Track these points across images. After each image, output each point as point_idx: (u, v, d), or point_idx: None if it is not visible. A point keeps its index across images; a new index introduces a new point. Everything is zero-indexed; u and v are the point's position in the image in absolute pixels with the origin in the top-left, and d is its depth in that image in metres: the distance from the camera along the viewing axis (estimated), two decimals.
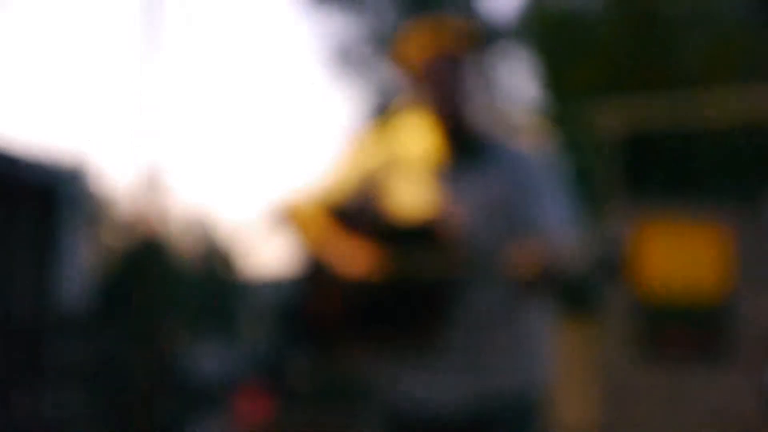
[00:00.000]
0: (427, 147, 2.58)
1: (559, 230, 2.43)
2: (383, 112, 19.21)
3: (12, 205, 8.71)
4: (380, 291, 2.44)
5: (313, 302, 2.52)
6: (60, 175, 8.90)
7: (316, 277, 2.20)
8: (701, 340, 5.06)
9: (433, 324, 2.45)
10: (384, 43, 19.00)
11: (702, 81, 7.17)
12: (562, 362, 2.62)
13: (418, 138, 2.62)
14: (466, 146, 2.55)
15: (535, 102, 15.14)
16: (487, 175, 2.51)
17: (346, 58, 19.66)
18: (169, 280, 27.01)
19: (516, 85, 17.08)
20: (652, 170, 6.85)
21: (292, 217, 2.65)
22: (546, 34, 8.01)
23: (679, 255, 5.11)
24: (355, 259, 2.43)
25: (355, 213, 2.32)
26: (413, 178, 2.58)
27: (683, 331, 5.06)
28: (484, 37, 2.59)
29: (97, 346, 11.53)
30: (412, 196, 2.55)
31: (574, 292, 2.47)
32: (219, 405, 6.84)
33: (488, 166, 2.52)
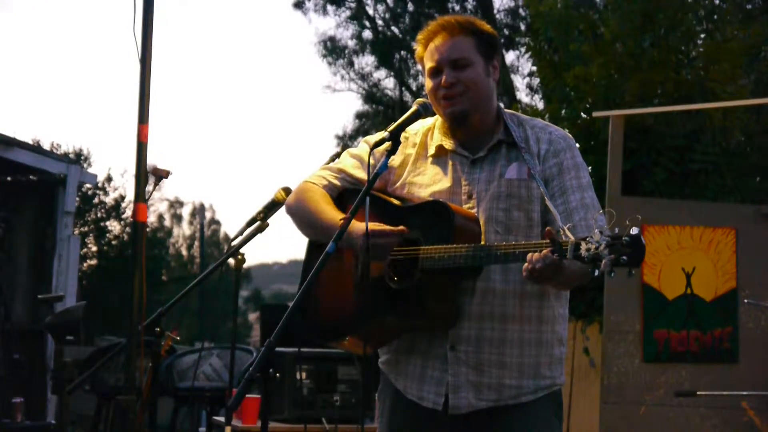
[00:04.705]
0: (441, 140, 2.58)
1: (584, 216, 2.43)
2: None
3: (12, 203, 8.69)
4: (390, 277, 2.43)
5: (318, 291, 2.50)
6: (60, 172, 8.87)
7: (321, 266, 2.18)
8: (702, 340, 5.04)
9: (444, 312, 2.44)
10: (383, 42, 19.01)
11: (703, 80, 7.15)
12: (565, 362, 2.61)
13: (432, 131, 2.63)
14: (480, 140, 2.55)
15: (535, 101, 15.16)
16: (502, 166, 2.50)
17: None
18: (167, 278, 27.03)
19: (516, 84, 17.12)
20: (652, 170, 6.84)
21: (297, 202, 2.65)
22: (547, 31, 7.99)
23: (679, 255, 5.10)
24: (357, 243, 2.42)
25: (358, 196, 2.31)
26: (427, 169, 2.58)
27: (684, 330, 5.05)
28: (498, 36, 2.58)
29: (92, 344, 11.53)
30: (428, 185, 2.55)
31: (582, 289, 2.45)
32: (217, 404, 6.82)
33: (503, 158, 2.52)
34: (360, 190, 2.54)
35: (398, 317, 2.43)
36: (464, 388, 2.44)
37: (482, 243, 2.40)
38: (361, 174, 2.64)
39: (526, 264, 2.18)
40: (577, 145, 2.62)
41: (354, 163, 2.66)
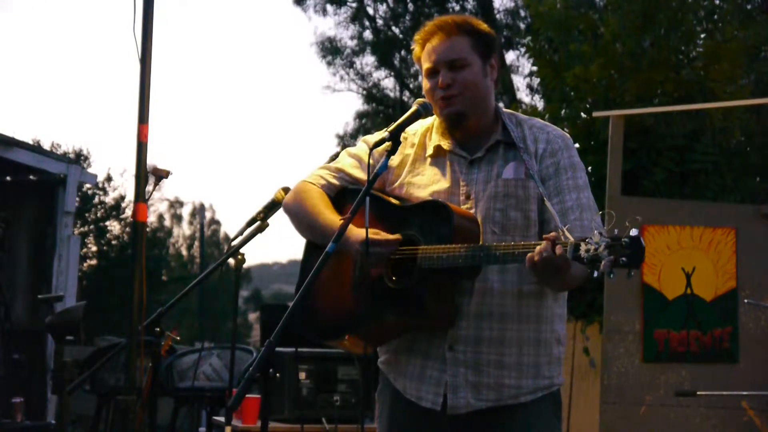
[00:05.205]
0: (439, 140, 2.58)
1: (579, 216, 2.42)
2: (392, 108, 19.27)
3: (12, 203, 8.70)
4: (389, 277, 2.43)
5: (317, 291, 2.50)
6: (60, 172, 8.87)
7: (319, 266, 2.19)
8: (702, 340, 5.04)
9: (443, 312, 2.44)
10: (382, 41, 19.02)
11: (703, 80, 7.15)
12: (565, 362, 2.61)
13: (431, 131, 2.63)
14: (478, 140, 2.55)
15: (535, 101, 15.16)
16: (500, 167, 2.50)
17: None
18: (167, 278, 27.03)
19: (516, 84, 17.13)
20: (652, 170, 6.84)
21: (296, 202, 2.65)
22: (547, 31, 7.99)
23: (679, 255, 5.10)
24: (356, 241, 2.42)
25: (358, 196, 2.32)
26: (426, 170, 2.58)
27: (684, 330, 5.05)
28: (497, 36, 2.58)
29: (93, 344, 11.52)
30: (426, 185, 2.55)
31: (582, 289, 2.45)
32: (217, 404, 6.82)
33: (501, 158, 2.52)
34: (359, 189, 2.54)
35: (397, 317, 2.43)
36: (463, 389, 2.44)
37: (480, 243, 2.40)
38: (360, 173, 2.64)
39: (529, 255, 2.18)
40: (577, 145, 2.62)
41: (353, 163, 2.67)
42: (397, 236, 2.40)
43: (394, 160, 2.59)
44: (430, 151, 2.58)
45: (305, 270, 2.65)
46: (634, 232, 2.05)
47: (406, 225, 2.46)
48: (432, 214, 2.43)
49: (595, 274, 2.08)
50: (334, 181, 2.66)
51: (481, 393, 2.44)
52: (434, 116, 2.57)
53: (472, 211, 2.47)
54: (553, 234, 2.16)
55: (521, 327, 2.45)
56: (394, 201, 2.56)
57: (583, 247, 2.08)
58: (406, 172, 2.59)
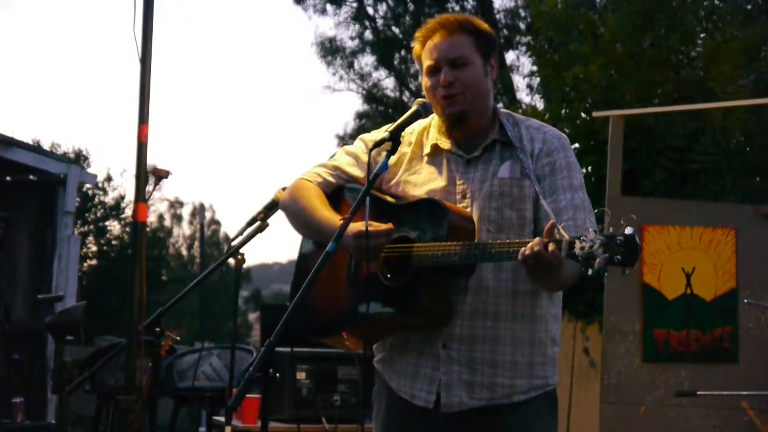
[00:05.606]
0: (437, 139, 2.58)
1: (572, 215, 2.42)
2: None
3: (12, 203, 8.69)
4: (384, 274, 2.43)
5: (314, 290, 2.50)
6: (60, 172, 8.87)
7: (317, 265, 2.19)
8: (703, 340, 5.04)
9: (438, 310, 2.44)
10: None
11: (704, 81, 7.15)
12: (564, 361, 2.61)
13: (428, 130, 2.63)
14: (475, 139, 2.55)
15: (535, 101, 15.15)
16: (496, 166, 2.51)
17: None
18: (167, 278, 27.03)
19: (516, 84, 17.12)
20: (652, 170, 6.84)
21: (292, 199, 2.66)
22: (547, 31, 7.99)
23: (679, 255, 5.10)
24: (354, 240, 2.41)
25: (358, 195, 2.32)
26: (422, 168, 2.58)
27: (684, 330, 5.05)
28: (496, 35, 2.57)
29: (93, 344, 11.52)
30: (423, 184, 2.55)
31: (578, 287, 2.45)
32: (217, 404, 6.82)
33: (497, 157, 2.52)
34: (356, 187, 2.55)
35: (392, 314, 2.43)
36: (456, 387, 2.44)
37: (476, 243, 2.40)
38: (357, 171, 2.64)
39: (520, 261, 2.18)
40: (576, 145, 2.62)
41: (350, 161, 2.67)
42: (389, 225, 2.40)
43: (391, 158, 2.59)
44: (427, 149, 2.59)
45: (301, 268, 2.66)
46: (628, 230, 2.05)
47: (402, 223, 2.46)
48: (428, 212, 2.43)
49: (590, 272, 2.07)
50: (331, 179, 2.67)
51: (475, 392, 2.44)
52: (432, 115, 2.57)
53: (468, 209, 2.47)
54: (551, 222, 2.17)
55: (515, 326, 2.45)
56: (390, 199, 2.56)
57: (577, 244, 2.08)
58: (403, 170, 2.60)
